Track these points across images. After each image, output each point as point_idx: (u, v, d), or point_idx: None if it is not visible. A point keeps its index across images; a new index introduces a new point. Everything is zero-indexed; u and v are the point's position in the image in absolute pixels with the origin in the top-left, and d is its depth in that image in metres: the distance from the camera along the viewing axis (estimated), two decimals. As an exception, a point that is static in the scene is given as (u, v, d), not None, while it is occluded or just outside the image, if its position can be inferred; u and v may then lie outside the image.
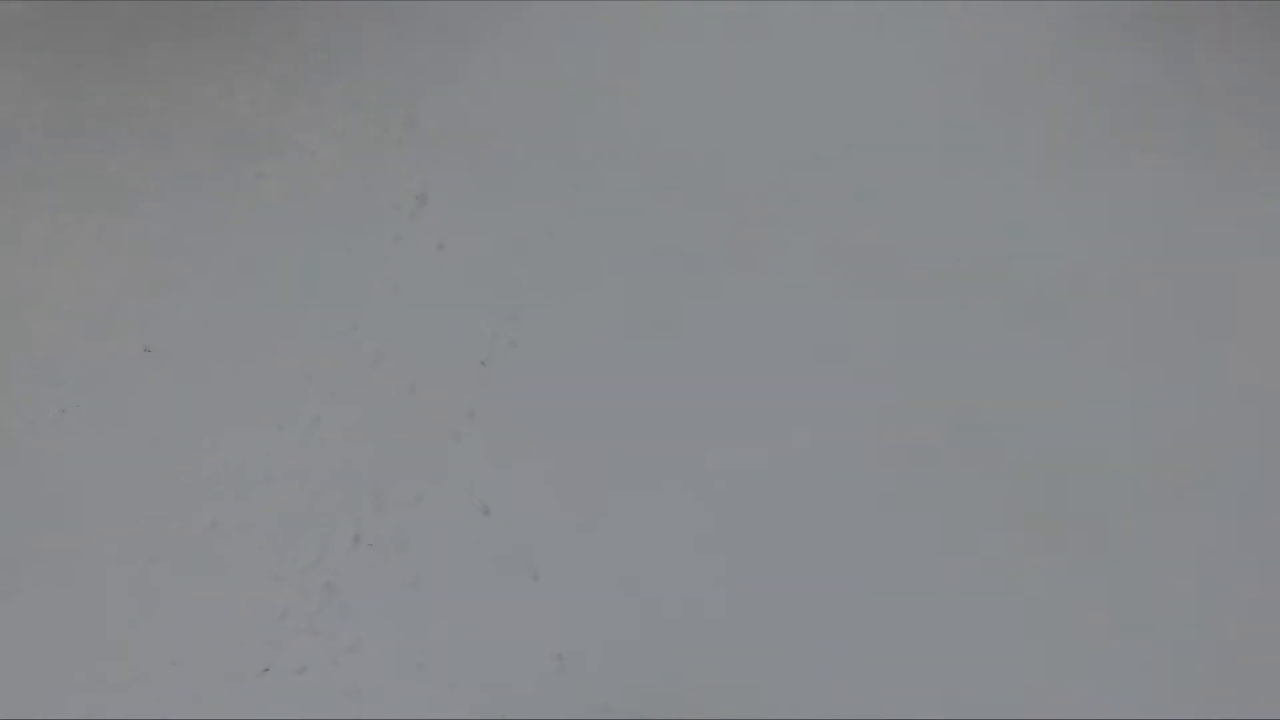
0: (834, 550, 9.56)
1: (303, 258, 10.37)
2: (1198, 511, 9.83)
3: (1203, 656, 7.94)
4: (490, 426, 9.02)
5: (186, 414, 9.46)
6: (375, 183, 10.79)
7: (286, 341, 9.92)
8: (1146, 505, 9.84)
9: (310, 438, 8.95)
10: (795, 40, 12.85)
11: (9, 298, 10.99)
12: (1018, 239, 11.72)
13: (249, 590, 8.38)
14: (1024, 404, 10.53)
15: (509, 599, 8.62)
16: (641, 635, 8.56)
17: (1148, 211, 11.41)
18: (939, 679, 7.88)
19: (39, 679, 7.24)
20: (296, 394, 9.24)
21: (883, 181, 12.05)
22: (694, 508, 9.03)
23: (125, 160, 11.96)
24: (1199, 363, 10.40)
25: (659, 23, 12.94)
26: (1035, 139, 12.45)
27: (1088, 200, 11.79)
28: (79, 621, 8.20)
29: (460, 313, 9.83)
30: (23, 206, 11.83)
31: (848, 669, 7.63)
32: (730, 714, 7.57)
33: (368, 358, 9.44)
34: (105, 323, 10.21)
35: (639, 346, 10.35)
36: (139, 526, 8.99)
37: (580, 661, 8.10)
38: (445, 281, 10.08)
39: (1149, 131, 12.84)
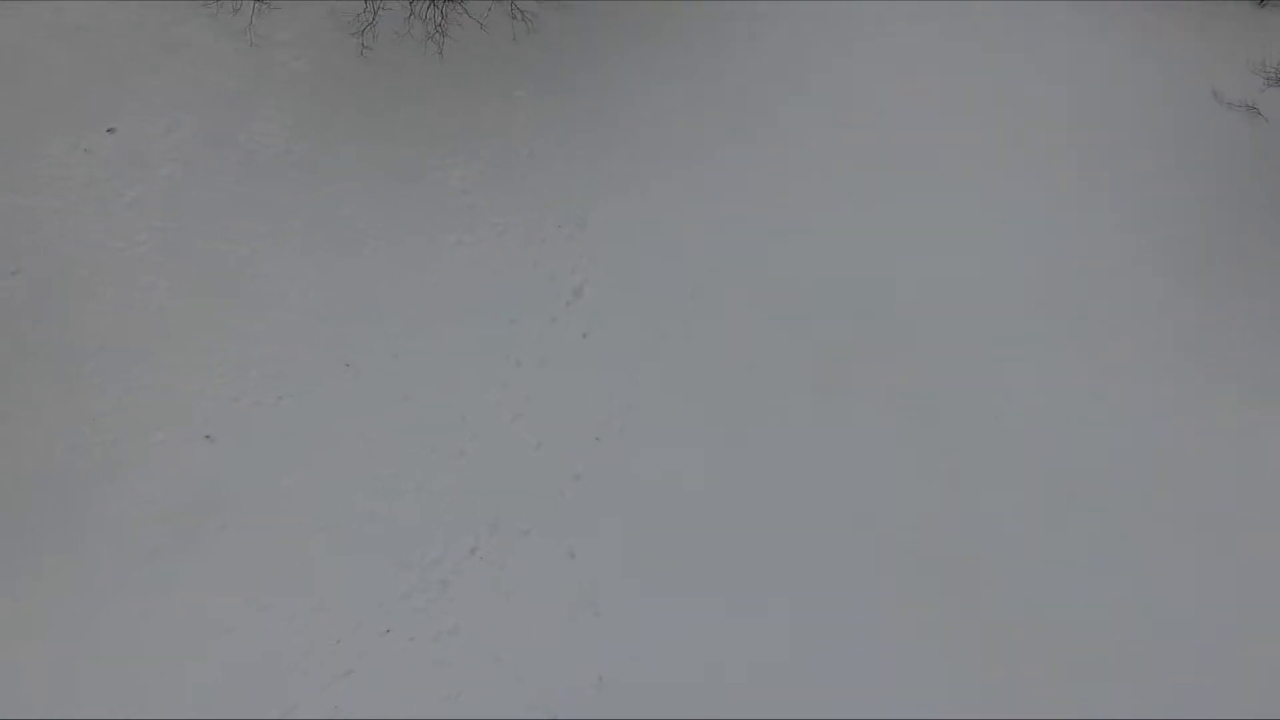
0: (844, 645, 11.59)
1: (478, 318, 13.10)
2: (1171, 681, 11.45)
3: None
4: (591, 489, 11.62)
5: (367, 422, 12.25)
6: (545, 269, 13.53)
7: (452, 383, 12.68)
8: (1127, 668, 11.46)
9: (454, 464, 11.69)
10: (911, 216, 14.69)
11: (246, 299, 13.79)
12: (1059, 427, 13.27)
13: (385, 570, 11.15)
14: (1023, 562, 12.16)
15: (573, 625, 11.10)
16: (670, 677, 10.85)
17: (1190, 435, 12.93)
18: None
19: (224, 599, 10.11)
20: (451, 427, 11.98)
21: (958, 352, 13.87)
22: (744, 589, 11.31)
23: (357, 207, 14.82)
24: (1183, 560, 11.88)
25: (802, 179, 15.03)
26: (1110, 351, 13.92)
27: (1135, 412, 13.24)
28: (252, 563, 10.98)
29: (588, 394, 12.42)
30: (271, 230, 14.74)
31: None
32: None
33: (510, 412, 12.14)
34: (321, 336, 13.03)
35: (722, 449, 12.65)
36: (316, 500, 11.80)
37: (616, 685, 10.49)
38: (583, 365, 12.71)
39: (1213, 366, 14.06)
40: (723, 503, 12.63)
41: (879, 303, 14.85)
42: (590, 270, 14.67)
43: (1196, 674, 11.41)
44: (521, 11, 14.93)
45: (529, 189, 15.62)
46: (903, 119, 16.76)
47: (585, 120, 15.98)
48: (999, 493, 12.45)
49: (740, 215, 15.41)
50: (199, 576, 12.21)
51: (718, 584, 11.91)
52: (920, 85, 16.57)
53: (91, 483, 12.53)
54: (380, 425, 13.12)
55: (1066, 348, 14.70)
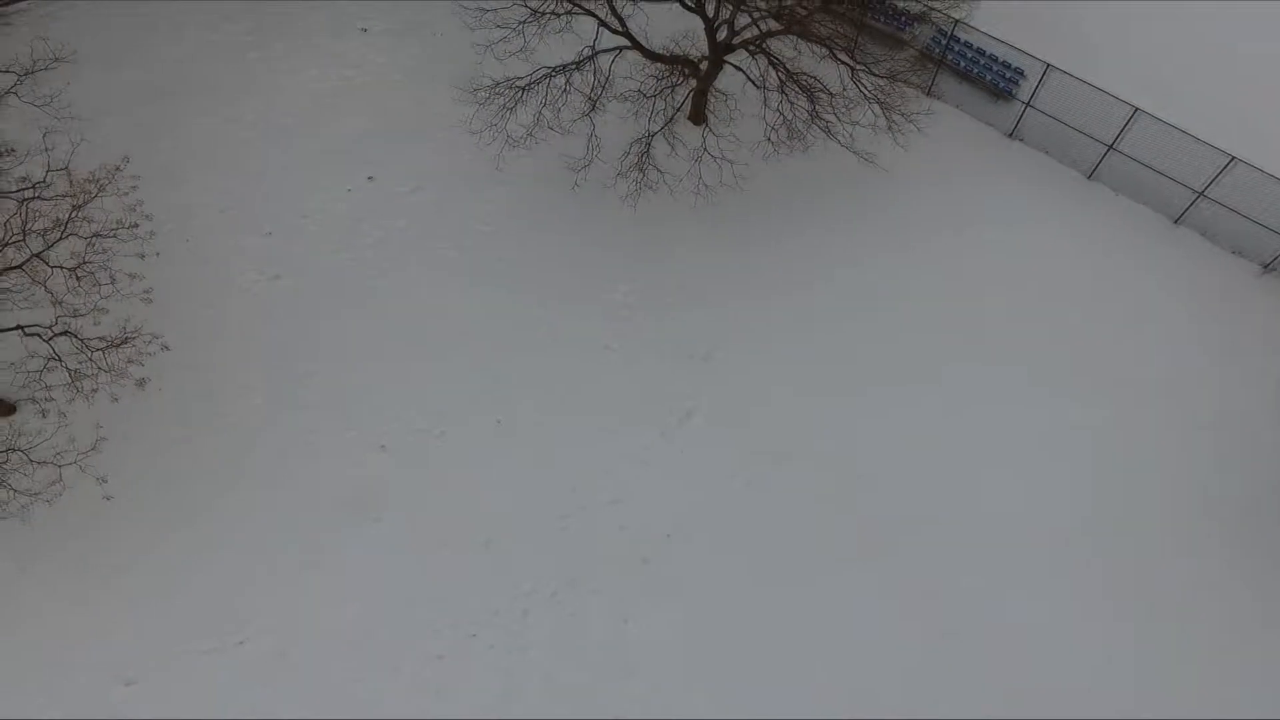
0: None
1: (606, 414, 16.60)
2: None
3: None
4: (655, 575, 14.76)
5: (501, 469, 15.81)
6: (668, 389, 16.88)
7: (572, 459, 16.16)
8: None
9: (558, 524, 15.10)
10: (979, 432, 16.96)
11: (439, 347, 17.34)
12: (1049, 648, 15.41)
13: (485, 589, 14.61)
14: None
15: (611, 674, 14.27)
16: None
17: (1176, 693, 14.82)
18: None
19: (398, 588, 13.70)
20: (562, 494, 15.46)
21: (977, 558, 16.21)
22: (751, 687, 14.28)
23: (540, 293, 18.40)
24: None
25: (900, 369, 17.65)
26: (1119, 594, 16.02)
27: (1118, 651, 15.21)
28: (390, 553, 14.26)
29: (672, 500, 15.64)
30: (471, 294, 18.28)
31: None
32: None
33: (608, 497, 15.41)
34: (487, 392, 16.41)
35: (766, 588, 15.59)
36: (449, 519, 15.28)
37: (624, 728, 13.66)
38: (674, 476, 15.98)
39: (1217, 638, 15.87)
40: (753, 616, 15.65)
41: (928, 503, 17.60)
42: (703, 400, 17.94)
43: None
44: (707, 187, 19.26)
45: (673, 317, 19.00)
46: (1000, 343, 19.30)
47: (731, 273, 19.74)
48: (978, 686, 14.88)
49: (838, 388, 18.40)
50: (350, 550, 15.94)
51: (732, 678, 14.94)
52: (1020, 319, 19.55)
53: (292, 458, 16.72)
54: (510, 475, 16.68)
55: (1077, 582, 17.06)
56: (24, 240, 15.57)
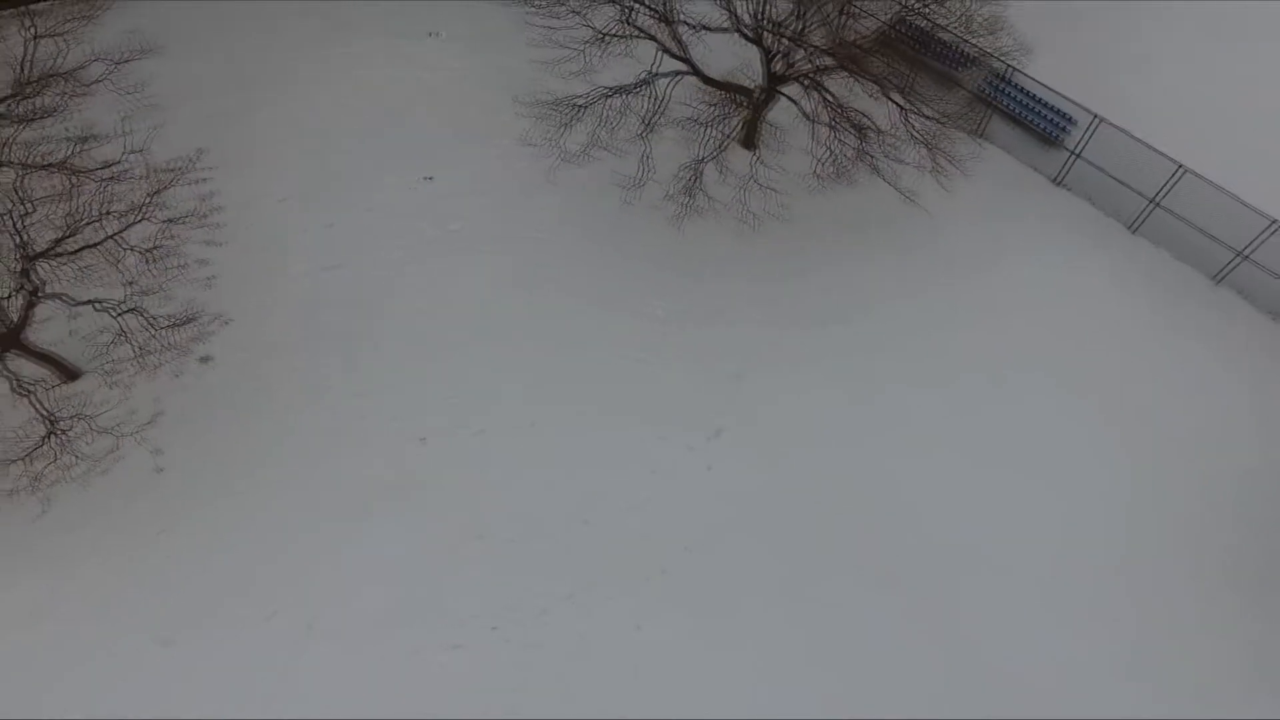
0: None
1: (637, 426, 17.29)
2: None
3: None
4: (671, 584, 15.33)
5: (532, 471, 16.34)
6: (700, 406, 17.37)
7: (598, 467, 16.78)
8: None
9: (580, 529, 15.70)
10: (1011, 468, 17.35)
11: (479, 351, 17.99)
12: (1059, 689, 15.69)
13: (507, 584, 15.16)
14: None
15: (619, 675, 14.70)
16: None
17: None
18: None
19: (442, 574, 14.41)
20: (586, 500, 16.20)
21: (987, 582, 16.36)
22: (762, 695, 14.70)
23: (581, 302, 18.87)
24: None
25: (923, 404, 17.99)
26: (1127, 640, 16.19)
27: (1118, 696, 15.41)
28: (419, 542, 14.91)
29: (694, 513, 16.19)
30: (517, 300, 18.97)
31: None
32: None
33: (629, 504, 15.89)
34: (523, 397, 16.96)
35: (784, 607, 15.99)
36: (478, 513, 15.77)
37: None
38: (699, 490, 16.55)
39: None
40: (768, 634, 16.10)
41: (950, 538, 17.83)
42: (732, 419, 18.51)
43: None
44: (754, 215, 19.86)
45: (709, 336, 19.61)
46: (1030, 385, 19.68)
47: (769, 297, 20.32)
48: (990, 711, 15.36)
49: (868, 416, 18.81)
50: (380, 537, 16.74)
51: (738, 688, 15.43)
52: (1051, 362, 19.89)
53: (331, 446, 17.47)
54: (539, 477, 17.40)
55: (1106, 624, 17.26)
56: (102, 221, 16.65)
